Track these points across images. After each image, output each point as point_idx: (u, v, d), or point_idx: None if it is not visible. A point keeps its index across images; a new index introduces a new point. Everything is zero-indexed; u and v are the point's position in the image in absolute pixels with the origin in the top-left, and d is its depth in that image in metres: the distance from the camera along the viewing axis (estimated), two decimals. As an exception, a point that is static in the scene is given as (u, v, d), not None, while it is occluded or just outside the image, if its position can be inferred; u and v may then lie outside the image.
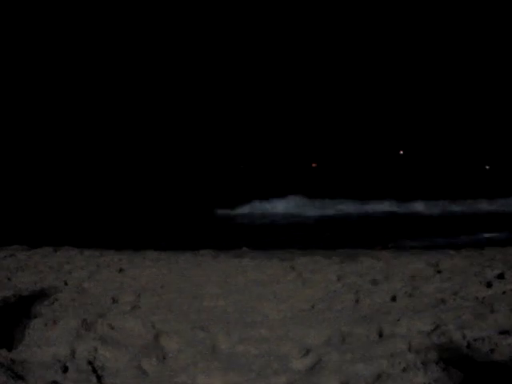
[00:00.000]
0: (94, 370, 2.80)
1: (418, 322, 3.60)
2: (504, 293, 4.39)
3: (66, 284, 4.97)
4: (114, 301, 4.42)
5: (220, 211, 16.44)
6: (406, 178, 38.63)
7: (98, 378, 2.75)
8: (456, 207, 17.37)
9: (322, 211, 16.50)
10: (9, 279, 5.00)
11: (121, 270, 5.70)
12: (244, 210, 17.00)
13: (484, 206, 17.73)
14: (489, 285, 4.77)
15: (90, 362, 2.88)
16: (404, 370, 2.73)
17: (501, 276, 5.17)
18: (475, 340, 3.10)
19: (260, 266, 6.03)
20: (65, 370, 2.72)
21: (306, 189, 21.51)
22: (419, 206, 17.52)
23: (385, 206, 17.41)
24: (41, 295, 4.34)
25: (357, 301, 4.40)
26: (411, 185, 30.49)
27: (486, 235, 10.94)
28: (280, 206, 17.19)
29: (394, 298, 4.48)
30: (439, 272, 5.64)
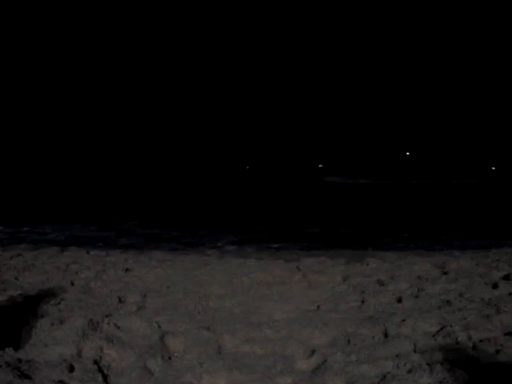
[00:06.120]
0: (100, 370, 2.82)
1: (423, 323, 3.60)
2: (510, 294, 4.37)
3: (72, 284, 5.00)
4: (120, 301, 4.44)
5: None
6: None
7: (104, 377, 2.76)
8: None
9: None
10: (16, 279, 5.03)
11: (127, 270, 5.73)
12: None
13: None
14: (495, 286, 4.75)
15: (96, 362, 2.90)
16: (409, 371, 2.73)
17: (507, 277, 5.15)
18: (481, 341, 3.10)
19: (265, 267, 6.03)
20: (71, 369, 2.73)
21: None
22: None
23: None
24: (47, 295, 4.36)
25: (362, 302, 4.40)
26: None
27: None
28: None
29: (399, 299, 4.47)
30: (445, 273, 5.62)
